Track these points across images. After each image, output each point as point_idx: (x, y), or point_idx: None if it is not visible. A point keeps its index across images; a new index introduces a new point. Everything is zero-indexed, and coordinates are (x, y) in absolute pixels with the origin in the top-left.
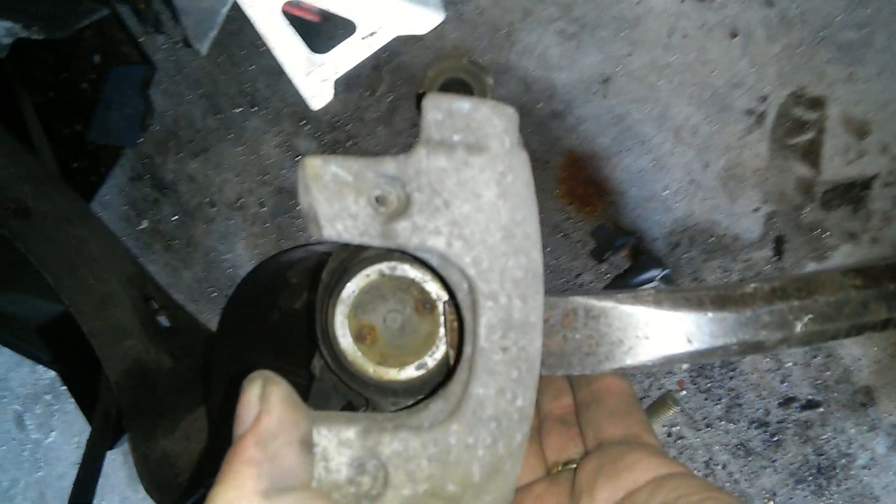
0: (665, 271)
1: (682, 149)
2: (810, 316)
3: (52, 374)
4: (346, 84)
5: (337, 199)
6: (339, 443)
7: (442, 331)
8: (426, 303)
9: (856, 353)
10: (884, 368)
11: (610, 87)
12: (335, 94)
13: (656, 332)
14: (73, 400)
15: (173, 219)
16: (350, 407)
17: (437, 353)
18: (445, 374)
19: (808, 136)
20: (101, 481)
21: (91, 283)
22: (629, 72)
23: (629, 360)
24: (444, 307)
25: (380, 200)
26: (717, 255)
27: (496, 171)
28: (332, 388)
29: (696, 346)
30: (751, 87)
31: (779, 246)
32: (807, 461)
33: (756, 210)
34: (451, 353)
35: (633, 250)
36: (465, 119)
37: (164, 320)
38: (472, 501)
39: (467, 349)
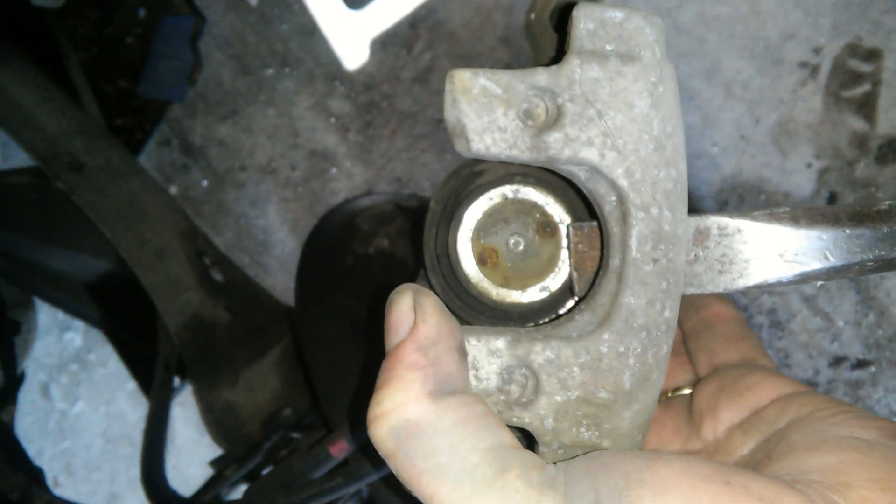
0: None
1: (733, 104)
2: None
3: (78, 343)
4: (381, 42)
5: (486, 112)
6: (488, 352)
7: (564, 254)
8: (547, 226)
9: None
10: None
11: None
12: (370, 53)
13: (793, 249)
14: (99, 369)
15: (203, 184)
16: None
17: (560, 276)
18: (568, 297)
19: (864, 88)
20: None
21: (147, 236)
22: (677, 24)
23: (764, 278)
24: (568, 230)
25: (527, 114)
26: None
27: (649, 80)
28: None
29: (833, 262)
30: (805, 39)
31: (831, 202)
32: None
33: (808, 166)
34: (576, 276)
35: None
36: (617, 28)
37: (216, 275)
38: (622, 409)
39: (614, 261)
